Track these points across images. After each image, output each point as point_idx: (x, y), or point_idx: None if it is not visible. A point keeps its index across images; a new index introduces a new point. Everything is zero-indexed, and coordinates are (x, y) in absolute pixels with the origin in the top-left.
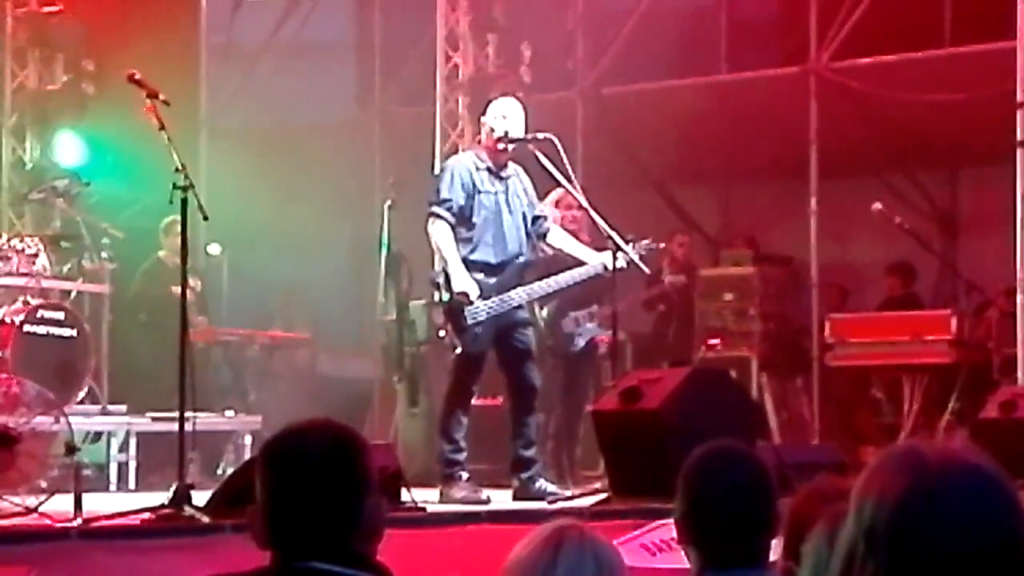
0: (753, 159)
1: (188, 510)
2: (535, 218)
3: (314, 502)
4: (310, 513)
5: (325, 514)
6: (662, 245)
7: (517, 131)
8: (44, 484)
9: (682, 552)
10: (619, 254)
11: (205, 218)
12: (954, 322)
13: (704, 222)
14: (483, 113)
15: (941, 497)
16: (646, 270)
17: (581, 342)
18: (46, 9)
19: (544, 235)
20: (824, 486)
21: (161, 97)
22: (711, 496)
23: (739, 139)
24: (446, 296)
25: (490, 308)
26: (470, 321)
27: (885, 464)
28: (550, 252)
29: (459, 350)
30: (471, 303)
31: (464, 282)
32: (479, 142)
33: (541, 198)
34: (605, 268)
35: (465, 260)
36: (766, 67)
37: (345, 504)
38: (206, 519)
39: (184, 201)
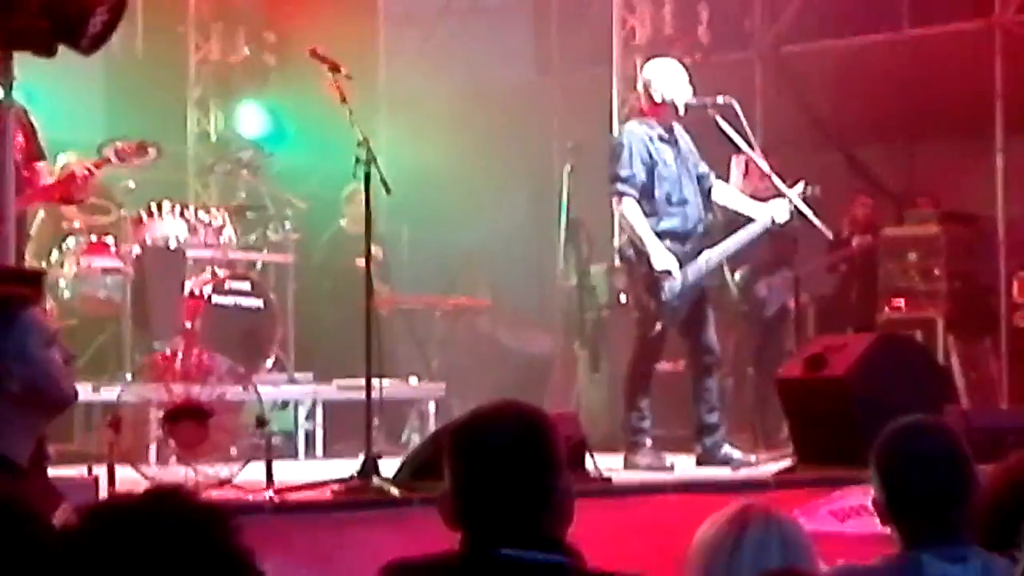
0: (937, 116)
1: (376, 482)
2: (700, 175)
3: (504, 488)
4: (500, 499)
5: (515, 499)
6: (818, 189)
7: (682, 94)
8: (235, 453)
9: (874, 519)
10: (785, 203)
11: (388, 192)
12: None
13: (887, 181)
14: (639, 76)
15: None
16: (816, 221)
17: (773, 307)
18: None
19: (709, 191)
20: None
21: (343, 71)
22: (905, 474)
23: (923, 96)
24: (643, 271)
25: (684, 279)
26: (669, 296)
27: None
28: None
29: (659, 326)
30: (671, 278)
31: (664, 259)
32: (640, 109)
33: (722, 162)
34: (774, 221)
35: (653, 232)
36: (950, 21)
37: (535, 488)
38: (395, 491)
39: (367, 175)
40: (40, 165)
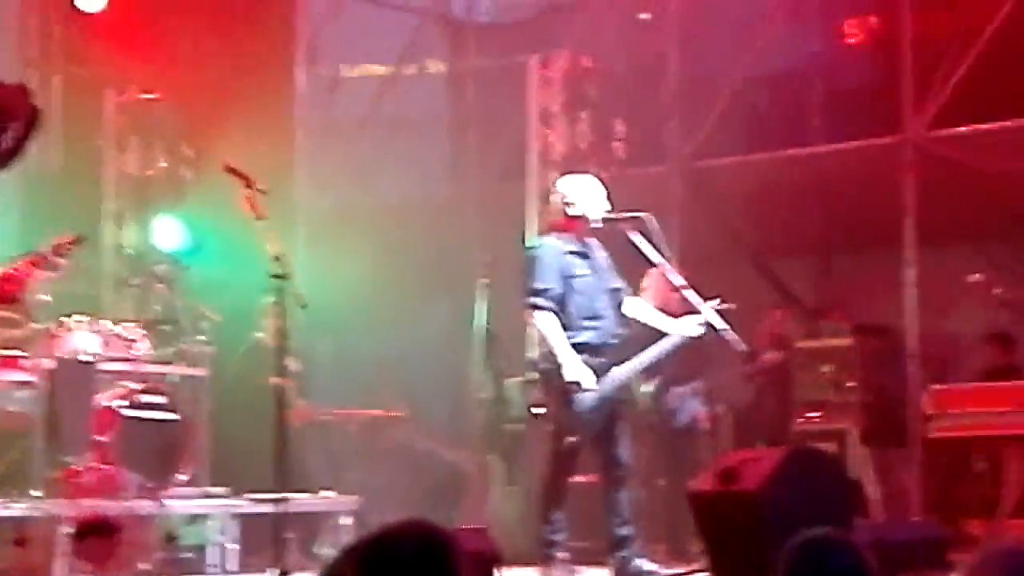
0: (850, 230)
1: None
2: (612, 290)
3: None
4: None
5: None
6: (733, 306)
7: (598, 209)
8: (146, 568)
9: None
10: (699, 318)
11: (303, 306)
12: None
13: (801, 294)
14: (552, 191)
15: None
16: (731, 335)
17: (683, 418)
18: (145, 96)
19: (619, 306)
20: None
21: (256, 185)
22: None
23: (836, 210)
24: (558, 384)
25: (599, 393)
26: (582, 408)
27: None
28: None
29: (573, 439)
30: (585, 392)
31: (577, 371)
32: (555, 222)
33: (639, 276)
34: (687, 337)
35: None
36: (861, 137)
37: None
38: None
39: (281, 290)
40: None
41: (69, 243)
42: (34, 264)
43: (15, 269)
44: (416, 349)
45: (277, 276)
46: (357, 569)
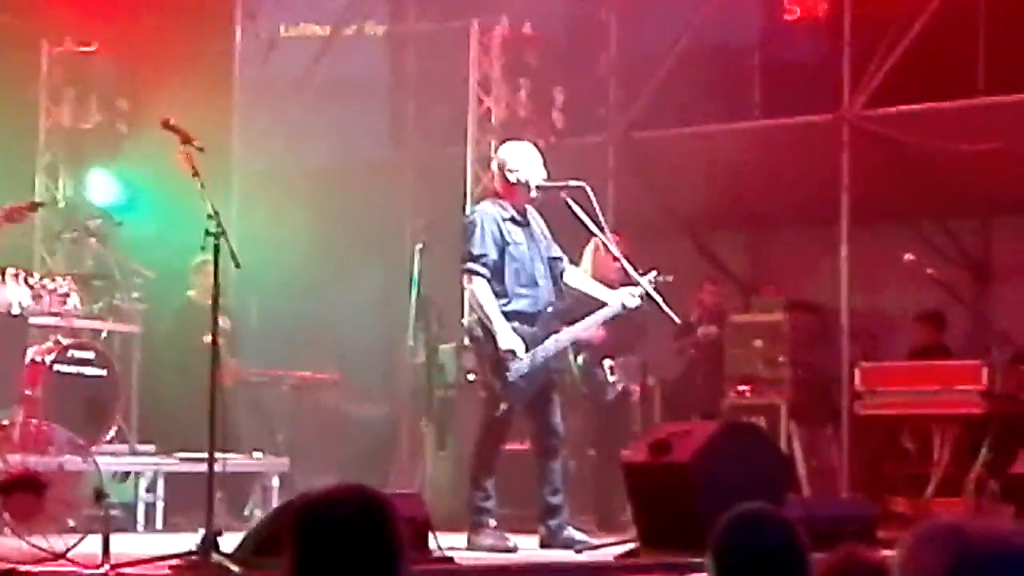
0: (785, 205)
1: (216, 558)
2: (552, 259)
3: (343, 572)
4: None
5: None
6: (670, 278)
7: (537, 177)
8: (73, 525)
9: None
10: (636, 289)
11: (237, 265)
12: (985, 373)
13: (735, 268)
14: (493, 157)
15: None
16: (665, 308)
17: (616, 390)
18: (81, 48)
19: (561, 275)
20: (851, 559)
21: (195, 143)
22: (738, 562)
23: (771, 185)
24: (489, 351)
25: (532, 361)
26: (514, 376)
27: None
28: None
29: (504, 406)
30: (518, 360)
31: (510, 339)
32: (494, 189)
33: (573, 245)
34: (624, 307)
35: (502, 313)
36: (799, 114)
37: (375, 573)
38: (235, 568)
39: (216, 247)
40: None
41: (25, 207)
42: None
43: None
44: (350, 312)
45: (211, 234)
46: (293, 532)
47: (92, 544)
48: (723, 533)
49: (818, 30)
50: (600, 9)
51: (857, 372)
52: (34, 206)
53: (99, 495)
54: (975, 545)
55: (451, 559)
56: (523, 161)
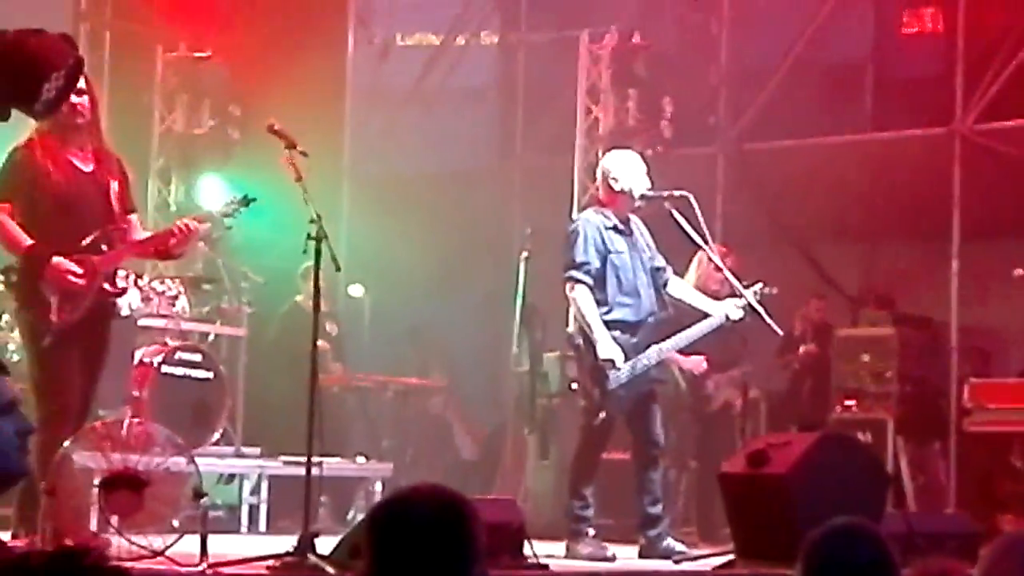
0: (895, 219)
1: (312, 559)
2: (656, 269)
3: (421, 570)
4: None
5: None
6: (775, 290)
7: (640, 186)
8: (175, 525)
9: None
10: (740, 301)
11: (338, 268)
12: None
13: (844, 282)
14: (596, 165)
15: None
16: (768, 321)
17: (718, 401)
18: (195, 54)
19: (664, 285)
20: (935, 570)
21: (299, 148)
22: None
23: (882, 198)
24: (590, 360)
25: (632, 370)
26: (613, 385)
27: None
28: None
29: (602, 415)
30: (617, 369)
31: (610, 349)
32: (597, 197)
33: (680, 256)
34: (727, 318)
35: (604, 322)
36: (911, 127)
37: (452, 573)
38: (330, 570)
39: (317, 251)
40: (133, 217)
41: (237, 203)
42: (199, 221)
43: (181, 224)
44: (456, 319)
45: (313, 238)
46: (371, 530)
47: (191, 544)
48: (813, 547)
49: (931, 44)
50: (711, 19)
51: (966, 388)
52: (245, 201)
53: (198, 495)
54: None
55: (545, 566)
56: (627, 170)
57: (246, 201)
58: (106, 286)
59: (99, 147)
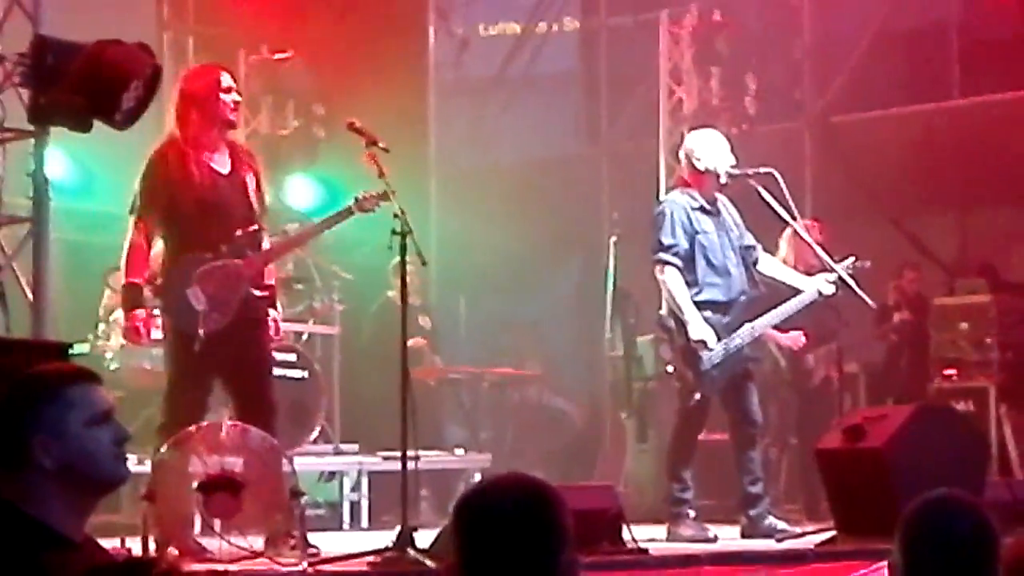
0: (989, 185)
1: (412, 554)
2: (745, 247)
3: (507, 560)
4: (504, 571)
5: (519, 572)
6: (868, 263)
7: (724, 164)
8: (274, 527)
9: None
10: (831, 276)
11: (424, 263)
12: None
13: (939, 251)
14: (680, 146)
15: None
16: (861, 294)
17: (818, 376)
18: (277, 56)
19: (755, 263)
20: None
21: (381, 144)
22: (927, 549)
23: (974, 165)
24: (681, 342)
25: (725, 350)
26: (707, 366)
27: None
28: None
29: (697, 396)
30: (710, 350)
31: (702, 330)
32: (681, 178)
33: (771, 233)
34: (820, 294)
35: (694, 303)
36: (1000, 90)
37: (539, 561)
38: (430, 563)
39: (403, 247)
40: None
41: (376, 197)
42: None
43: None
44: (548, 307)
45: (397, 233)
46: (457, 519)
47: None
48: (910, 520)
49: (1016, 5)
50: None
51: None
52: (384, 196)
53: (295, 494)
54: None
55: (645, 550)
56: (710, 149)
57: (385, 195)
58: (255, 291)
59: (235, 146)
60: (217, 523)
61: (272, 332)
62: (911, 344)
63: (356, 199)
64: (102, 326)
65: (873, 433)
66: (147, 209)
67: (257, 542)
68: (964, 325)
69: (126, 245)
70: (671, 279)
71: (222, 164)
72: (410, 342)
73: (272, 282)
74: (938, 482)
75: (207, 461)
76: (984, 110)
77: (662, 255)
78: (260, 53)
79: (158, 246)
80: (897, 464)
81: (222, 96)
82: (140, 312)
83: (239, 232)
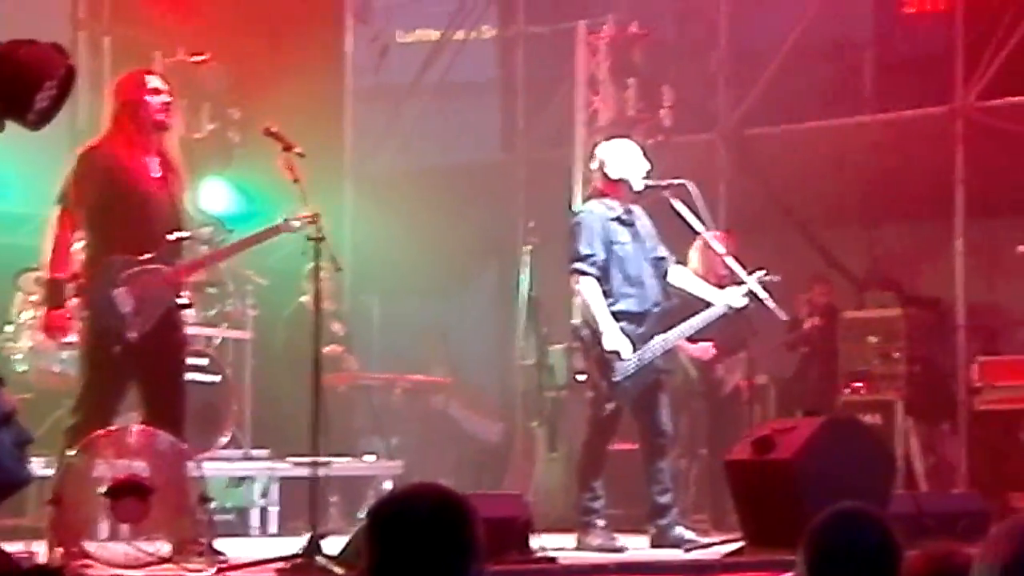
0: (899, 200)
1: (320, 560)
2: (658, 259)
3: (419, 568)
4: None
5: None
6: (777, 278)
7: (637, 174)
8: (181, 532)
9: None
10: (743, 288)
11: (338, 269)
12: None
13: (850, 264)
14: (592, 157)
15: None
16: (772, 306)
17: (727, 388)
18: (194, 58)
19: (664, 275)
20: (939, 553)
21: (296, 149)
22: (831, 561)
23: (885, 180)
24: (596, 351)
25: (638, 361)
26: (620, 376)
27: (1002, 531)
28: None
29: (610, 406)
30: (624, 360)
31: (617, 340)
32: (596, 188)
33: (684, 244)
34: (731, 307)
35: (610, 312)
36: (912, 107)
37: (450, 571)
38: (338, 570)
39: (317, 252)
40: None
41: (304, 219)
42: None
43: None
44: (463, 314)
45: (312, 239)
46: (370, 528)
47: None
48: (816, 532)
49: (930, 22)
50: (709, 5)
51: (975, 367)
52: (315, 218)
53: (203, 499)
54: None
55: (553, 559)
56: (621, 158)
57: (316, 217)
58: (177, 299)
59: (165, 152)
60: (124, 528)
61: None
62: (820, 356)
63: (285, 219)
64: (10, 328)
65: (782, 445)
66: (76, 204)
67: (164, 548)
68: (873, 338)
69: (50, 239)
70: (588, 289)
71: (153, 169)
72: (324, 348)
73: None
74: (845, 494)
75: (114, 465)
76: (896, 126)
77: (579, 265)
78: (176, 55)
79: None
80: (805, 476)
81: (148, 98)
82: (61, 310)
83: (169, 237)
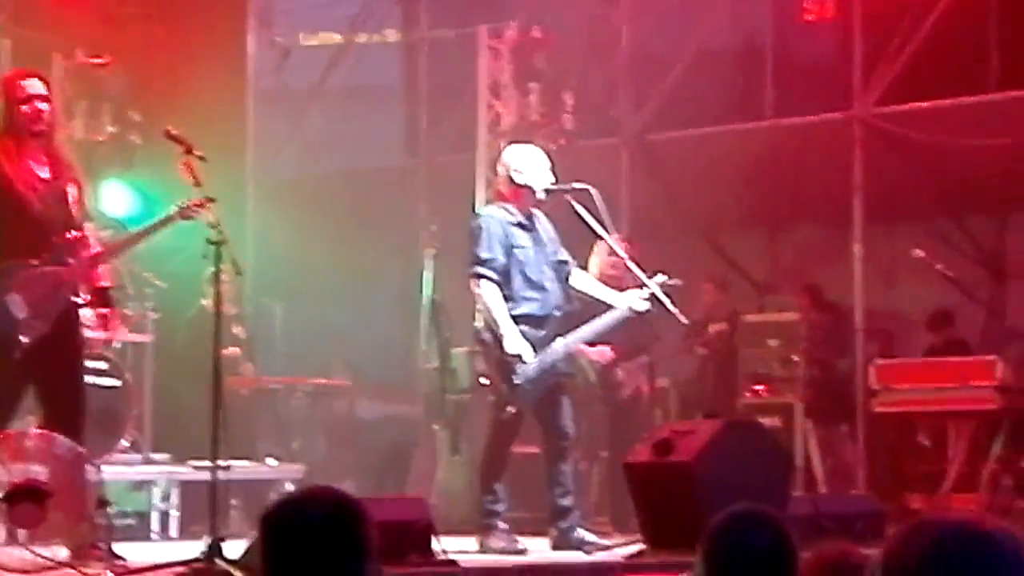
0: (799, 205)
1: (220, 564)
2: (559, 263)
3: (313, 570)
4: None
5: None
6: (679, 282)
7: (541, 179)
8: (80, 537)
9: None
10: (644, 292)
11: (239, 272)
12: (1000, 368)
13: (750, 268)
14: (499, 160)
15: (932, 562)
16: (673, 310)
17: (628, 391)
18: (94, 60)
19: (566, 279)
20: (832, 553)
21: (197, 152)
22: (727, 562)
23: (785, 185)
24: (497, 355)
25: (539, 364)
26: (521, 380)
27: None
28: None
29: (510, 409)
30: (524, 363)
31: (518, 344)
32: (499, 191)
33: (585, 248)
34: (631, 310)
35: (511, 317)
36: (811, 113)
37: (345, 572)
38: (239, 574)
39: (218, 256)
40: (89, 225)
41: (197, 205)
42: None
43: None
44: (365, 318)
45: (213, 243)
46: (263, 532)
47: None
48: (713, 533)
49: (828, 29)
50: (612, 11)
51: (872, 370)
52: (205, 203)
53: (102, 503)
54: (951, 540)
55: (454, 562)
56: (528, 164)
57: (206, 203)
58: (74, 299)
59: (55, 154)
60: (21, 533)
61: (100, 326)
62: (721, 359)
63: (179, 207)
64: None
65: (681, 447)
66: None
67: (62, 552)
68: (773, 342)
69: None
70: (488, 293)
71: (42, 171)
72: (224, 351)
73: (107, 284)
74: (743, 496)
75: (11, 469)
76: (796, 131)
77: (479, 269)
78: (76, 57)
79: None
80: (704, 478)
81: (20, 107)
82: None
83: (62, 238)
